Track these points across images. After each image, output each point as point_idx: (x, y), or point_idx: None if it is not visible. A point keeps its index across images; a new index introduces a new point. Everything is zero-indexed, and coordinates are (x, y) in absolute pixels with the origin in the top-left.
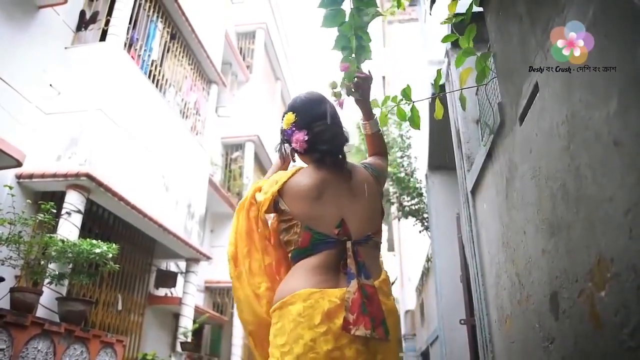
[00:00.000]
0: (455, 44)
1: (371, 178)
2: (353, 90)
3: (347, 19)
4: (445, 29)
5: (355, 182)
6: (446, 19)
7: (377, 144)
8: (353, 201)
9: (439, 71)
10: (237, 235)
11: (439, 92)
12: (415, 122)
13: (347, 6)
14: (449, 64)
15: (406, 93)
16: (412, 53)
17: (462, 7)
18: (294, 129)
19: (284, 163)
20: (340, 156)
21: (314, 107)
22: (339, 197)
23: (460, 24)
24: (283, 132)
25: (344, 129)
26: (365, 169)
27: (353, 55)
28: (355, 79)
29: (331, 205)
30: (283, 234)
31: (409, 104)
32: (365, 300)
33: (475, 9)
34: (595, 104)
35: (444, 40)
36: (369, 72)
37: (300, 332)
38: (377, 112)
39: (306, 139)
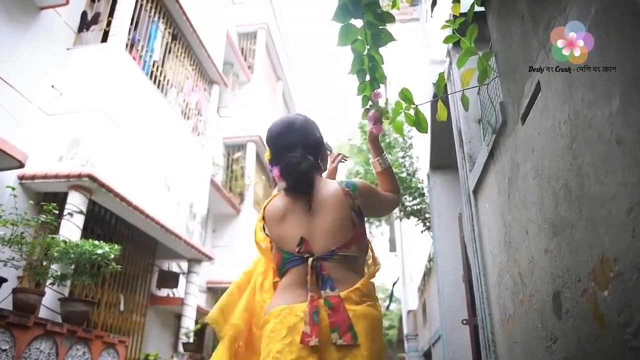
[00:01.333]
0: (456, 44)
1: (339, 193)
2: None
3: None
4: (447, 29)
5: (317, 200)
6: (446, 22)
7: (387, 182)
8: (313, 219)
9: (441, 74)
10: (260, 259)
11: (441, 93)
12: (422, 127)
13: (360, 23)
14: (450, 63)
15: (405, 96)
16: (413, 53)
17: (464, 7)
18: (270, 165)
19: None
20: (301, 183)
21: (279, 140)
22: (300, 216)
23: (461, 24)
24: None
25: (309, 153)
26: (338, 184)
27: (368, 77)
28: (373, 110)
29: (292, 225)
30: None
31: (413, 108)
32: (330, 310)
33: (477, 8)
34: (597, 103)
35: (446, 41)
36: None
37: (271, 346)
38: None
39: (278, 173)
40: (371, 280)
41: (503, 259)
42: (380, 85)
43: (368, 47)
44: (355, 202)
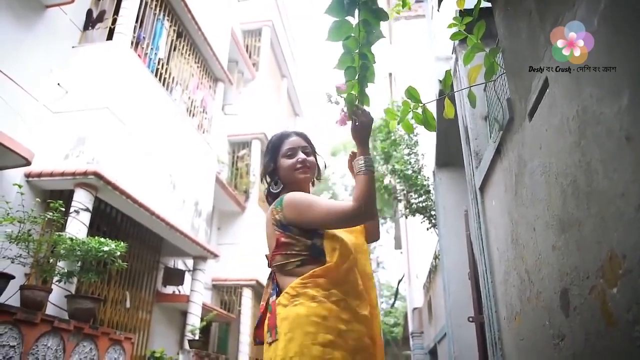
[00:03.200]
0: (463, 40)
1: (269, 211)
2: (354, 117)
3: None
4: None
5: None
6: (454, 20)
7: (356, 187)
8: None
9: (448, 72)
10: None
11: (448, 90)
12: (431, 125)
13: (354, 19)
14: (456, 60)
15: (411, 94)
16: (419, 50)
17: (470, 3)
18: None
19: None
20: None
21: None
22: None
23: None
24: None
25: (265, 176)
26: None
27: (357, 77)
28: (357, 109)
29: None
30: None
31: (420, 107)
32: (269, 314)
33: (484, 4)
34: (606, 99)
35: (452, 38)
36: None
37: None
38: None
39: None
40: (313, 279)
41: (510, 256)
42: (370, 83)
43: (360, 44)
44: (277, 217)
